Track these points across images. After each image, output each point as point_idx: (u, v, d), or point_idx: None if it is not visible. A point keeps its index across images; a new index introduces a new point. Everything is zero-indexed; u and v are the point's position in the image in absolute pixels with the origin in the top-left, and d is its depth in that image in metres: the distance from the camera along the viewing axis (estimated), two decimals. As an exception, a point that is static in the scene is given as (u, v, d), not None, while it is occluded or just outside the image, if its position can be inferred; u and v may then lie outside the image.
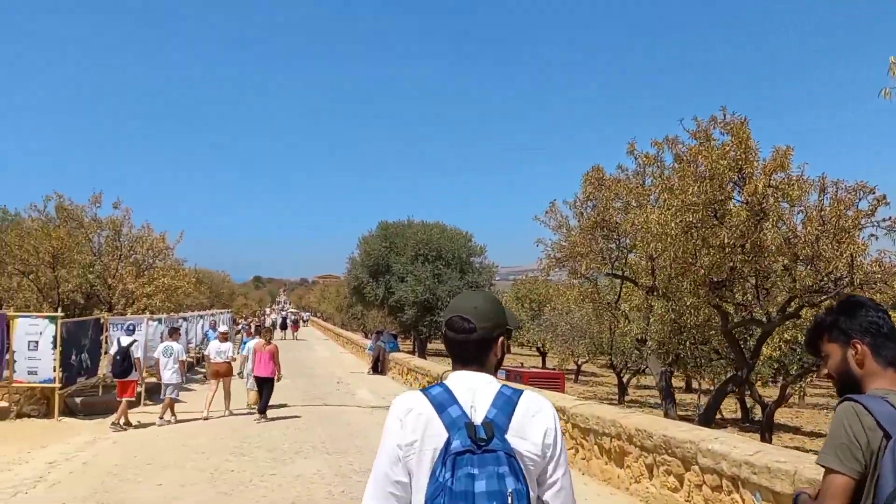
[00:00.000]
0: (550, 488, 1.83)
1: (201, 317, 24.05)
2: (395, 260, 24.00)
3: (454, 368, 1.94)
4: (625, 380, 27.19)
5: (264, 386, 12.32)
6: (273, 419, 12.39)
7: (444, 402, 1.81)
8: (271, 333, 14.03)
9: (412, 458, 1.78)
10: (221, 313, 38.65)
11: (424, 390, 1.88)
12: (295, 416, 12.84)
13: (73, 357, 13.04)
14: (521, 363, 27.94)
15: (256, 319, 48.31)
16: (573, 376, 32.48)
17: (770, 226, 7.76)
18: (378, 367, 22.53)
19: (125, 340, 12.08)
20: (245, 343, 17.88)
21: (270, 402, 12.58)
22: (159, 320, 17.46)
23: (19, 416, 12.05)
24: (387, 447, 1.82)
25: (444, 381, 1.90)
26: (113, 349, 12.25)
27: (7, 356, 12.05)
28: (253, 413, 12.75)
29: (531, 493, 1.74)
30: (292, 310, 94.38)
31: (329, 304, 71.05)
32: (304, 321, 77.34)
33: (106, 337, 14.79)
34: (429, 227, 24.61)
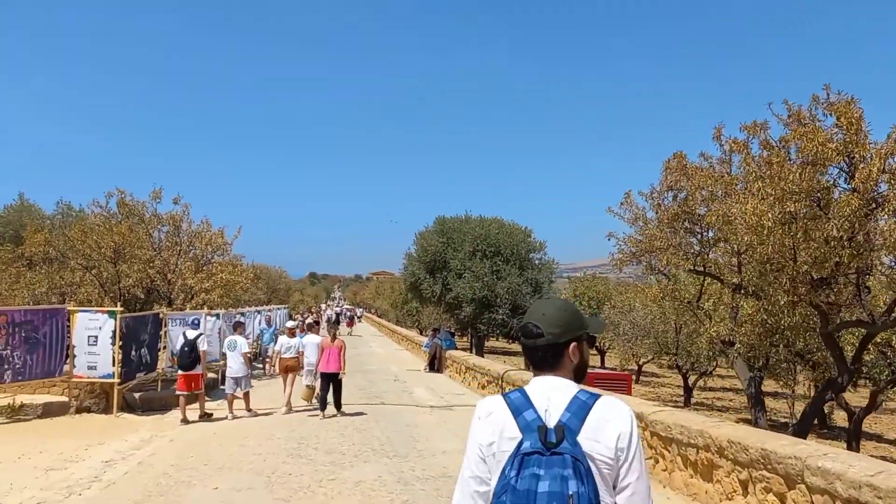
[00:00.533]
0: (623, 492, 1.86)
1: (258, 312, 24.04)
2: (452, 256, 23.43)
3: (533, 374, 2.04)
4: (690, 381, 26.22)
5: (331, 382, 12.18)
6: (332, 416, 12.22)
7: (520, 406, 1.92)
8: (337, 329, 14.23)
9: (491, 459, 1.90)
10: (278, 309, 39.03)
11: (504, 395, 1.99)
12: (353, 415, 12.49)
13: (133, 352, 12.97)
14: (616, 368, 27.09)
15: (314, 315, 48.59)
16: (634, 377, 31.48)
17: (886, 215, 6.89)
18: (435, 364, 22.20)
19: (191, 334, 12.14)
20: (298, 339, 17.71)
21: (325, 399, 12.36)
22: (217, 315, 17.41)
23: (79, 411, 12.01)
24: (471, 447, 1.97)
25: (523, 387, 2.00)
26: (179, 342, 12.40)
27: (68, 351, 12.02)
28: (310, 410, 12.74)
29: (601, 498, 1.79)
30: (347, 306, 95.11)
31: (384, 301, 71.12)
32: (358, 317, 77.94)
33: (165, 332, 14.73)
34: (487, 222, 23.96)
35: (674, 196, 10.13)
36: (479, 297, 22.45)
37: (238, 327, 13.62)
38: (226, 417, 12.02)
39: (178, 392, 11.78)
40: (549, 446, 1.80)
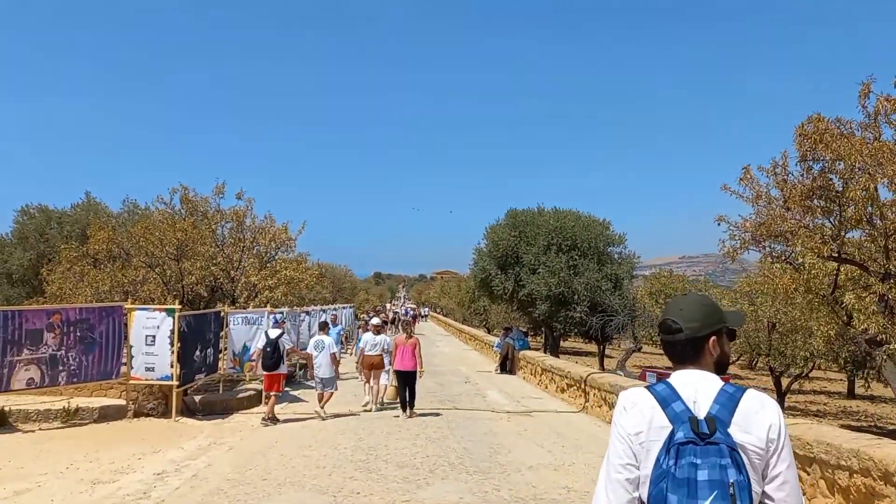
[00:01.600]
0: (773, 481, 1.91)
1: (323, 311, 23.39)
2: (525, 250, 22.12)
3: (674, 368, 2.10)
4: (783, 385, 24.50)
5: (407, 381, 12.05)
6: (409, 417, 11.80)
7: (667, 398, 1.98)
8: (411, 327, 13.81)
9: (639, 448, 1.97)
10: (343, 308, 38.63)
11: (649, 387, 2.06)
12: (424, 419, 11.55)
13: (198, 352, 12.33)
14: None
15: (384, 315, 48.07)
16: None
17: None
18: (507, 366, 21.15)
19: (273, 333, 11.99)
20: (361, 339, 17.06)
21: (405, 399, 12.12)
22: (281, 314, 16.70)
23: (137, 415, 11.42)
24: (616, 437, 2.03)
25: (667, 379, 2.05)
26: (261, 342, 12.32)
27: (125, 351, 11.43)
28: (385, 410, 12.71)
29: (753, 486, 1.87)
30: (410, 305, 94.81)
31: (450, 299, 70.41)
32: (423, 316, 77.59)
33: (227, 332, 14.09)
34: (562, 214, 22.56)
35: (807, 168, 8.66)
36: (554, 294, 21.10)
37: (324, 327, 13.67)
38: (314, 416, 11.86)
39: (265, 393, 11.86)
40: (703, 437, 1.86)
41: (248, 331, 14.29)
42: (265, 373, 11.73)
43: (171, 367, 11.32)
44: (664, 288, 37.18)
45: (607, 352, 42.05)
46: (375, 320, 14.77)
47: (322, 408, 11.90)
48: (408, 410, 11.93)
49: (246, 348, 14.26)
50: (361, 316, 45.51)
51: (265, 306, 18.14)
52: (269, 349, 11.63)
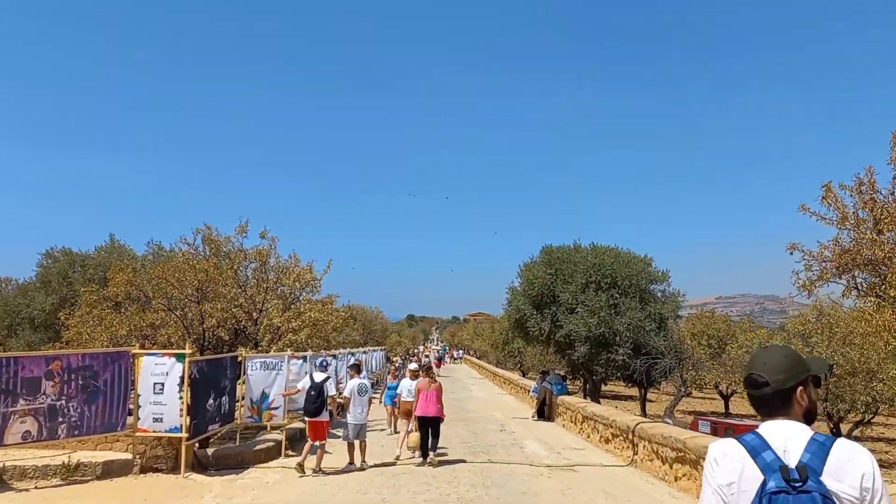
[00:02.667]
0: None
1: (351, 354, 22.47)
2: (562, 289, 21.00)
3: (762, 420, 2.15)
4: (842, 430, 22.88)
5: (430, 427, 11.75)
6: (431, 464, 11.31)
7: (757, 448, 2.04)
8: (432, 371, 13.24)
9: (731, 498, 2.01)
10: (374, 351, 37.65)
11: (738, 437, 2.12)
12: (456, 474, 10.49)
13: (212, 400, 11.45)
14: (735, 414, 23.82)
15: (415, 358, 46.97)
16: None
17: None
18: (544, 412, 19.94)
19: (318, 376, 11.53)
20: (391, 388, 16.24)
21: (426, 447, 11.75)
22: (304, 357, 15.79)
23: (143, 470, 10.53)
24: (707, 489, 2.10)
25: (756, 430, 2.12)
26: (304, 384, 11.69)
27: (132, 400, 10.61)
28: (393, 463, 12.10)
29: None
30: (435, 346, 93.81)
31: (483, 341, 69.03)
32: (456, 359, 76.43)
33: (245, 378, 13.23)
34: (600, 250, 21.42)
35: (901, 185, 7.58)
36: (594, 335, 19.89)
37: (357, 369, 12.99)
38: (349, 468, 11.31)
39: (310, 442, 11.22)
40: (794, 485, 1.89)
41: (266, 376, 13.42)
42: (308, 419, 11.24)
43: (181, 417, 10.46)
44: (706, 329, 35.61)
45: (649, 396, 40.34)
46: (413, 365, 14.74)
47: (363, 458, 11.52)
48: (429, 455, 11.55)
49: (265, 395, 13.39)
50: (394, 359, 44.64)
51: (288, 350, 17.35)
52: (313, 393, 11.10)
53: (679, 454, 10.11)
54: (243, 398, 13.16)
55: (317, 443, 11.11)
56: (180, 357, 10.72)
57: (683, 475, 10.00)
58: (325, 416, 11.30)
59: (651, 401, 42.83)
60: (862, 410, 21.95)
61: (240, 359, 13.38)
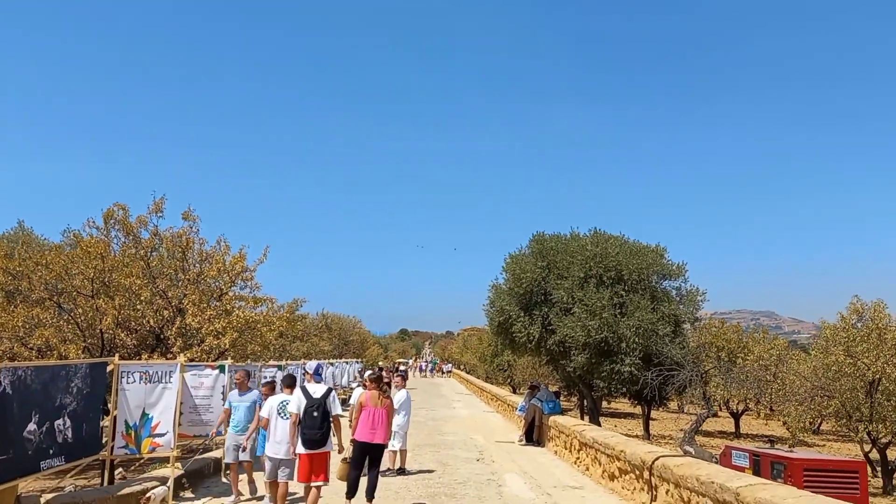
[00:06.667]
0: None
1: (300, 367, 18.92)
2: (556, 285, 17.51)
3: None
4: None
5: (371, 457, 9.01)
6: None
7: None
8: (381, 383, 9.64)
9: None
10: (347, 364, 34.19)
11: None
12: None
13: (33, 426, 7.99)
14: (790, 444, 20.41)
15: (384, 372, 43.38)
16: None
17: None
18: (533, 434, 16.62)
19: (317, 390, 8.31)
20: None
21: (356, 481, 8.83)
22: (221, 368, 12.28)
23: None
24: None
25: None
26: (297, 405, 8.23)
27: None
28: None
29: None
30: (401, 360, 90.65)
31: (471, 355, 65.52)
32: (446, 372, 73.45)
33: (117, 391, 9.81)
34: (602, 237, 17.88)
35: None
36: (595, 341, 16.40)
37: (269, 388, 10.09)
38: None
39: (305, 484, 8.17)
40: None
41: (149, 392, 10.02)
42: (304, 451, 8.06)
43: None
44: (715, 340, 32.30)
45: (652, 414, 36.85)
46: (369, 373, 11.35)
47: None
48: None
49: (146, 416, 9.96)
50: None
51: (208, 357, 13.97)
52: (315, 414, 8.03)
53: (729, 511, 6.76)
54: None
55: (317, 483, 8.07)
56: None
57: (734, 542, 6.63)
58: (329, 447, 8.24)
59: (654, 419, 39.40)
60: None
61: (110, 367, 9.93)
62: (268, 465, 8.73)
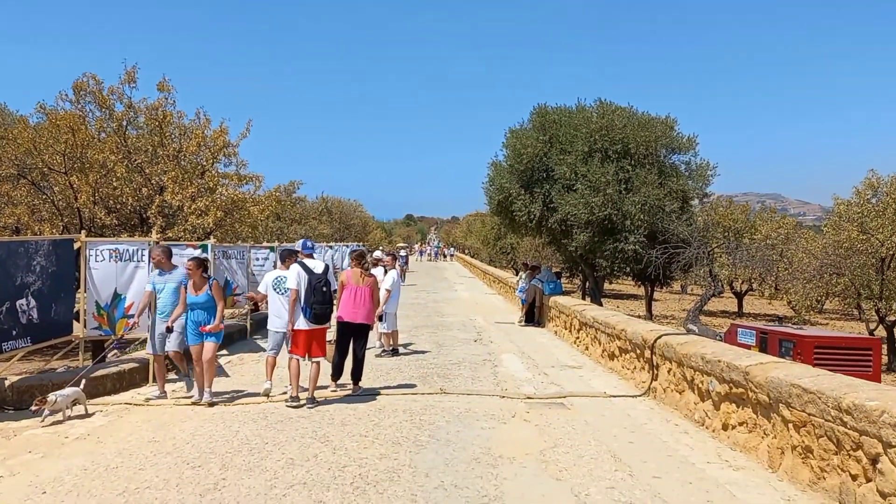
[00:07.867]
0: None
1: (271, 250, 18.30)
2: (558, 160, 16.60)
3: None
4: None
5: (356, 338, 8.63)
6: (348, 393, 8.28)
7: None
8: (365, 260, 9.16)
9: None
10: (346, 246, 33.87)
11: None
12: (383, 410, 7.07)
13: (-5, 305, 7.49)
14: (796, 321, 20.17)
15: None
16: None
17: None
18: (534, 315, 16.25)
19: (317, 265, 8.11)
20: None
21: (341, 365, 8.67)
22: (203, 247, 11.69)
23: None
24: None
25: None
26: (297, 281, 7.85)
27: None
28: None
29: None
30: (402, 244, 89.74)
31: (475, 238, 65.47)
32: (448, 256, 73.79)
33: (86, 270, 9.26)
34: (608, 108, 16.81)
35: None
36: (598, 219, 15.70)
37: (289, 258, 8.85)
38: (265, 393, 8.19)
39: (309, 358, 7.92)
40: None
41: (120, 270, 9.49)
42: (306, 327, 7.80)
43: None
44: (722, 220, 31.73)
45: (655, 295, 36.86)
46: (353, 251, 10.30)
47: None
48: (342, 383, 8.69)
49: (119, 297, 9.49)
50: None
51: (192, 238, 13.41)
52: (324, 289, 7.83)
53: (734, 389, 6.33)
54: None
55: (315, 359, 7.98)
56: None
57: (740, 423, 6.21)
58: (329, 323, 8.16)
59: (656, 300, 39.52)
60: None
61: (77, 244, 9.34)
62: (273, 339, 8.55)
